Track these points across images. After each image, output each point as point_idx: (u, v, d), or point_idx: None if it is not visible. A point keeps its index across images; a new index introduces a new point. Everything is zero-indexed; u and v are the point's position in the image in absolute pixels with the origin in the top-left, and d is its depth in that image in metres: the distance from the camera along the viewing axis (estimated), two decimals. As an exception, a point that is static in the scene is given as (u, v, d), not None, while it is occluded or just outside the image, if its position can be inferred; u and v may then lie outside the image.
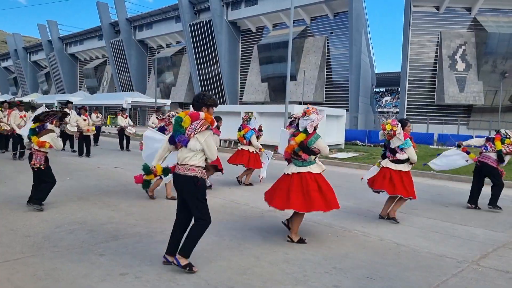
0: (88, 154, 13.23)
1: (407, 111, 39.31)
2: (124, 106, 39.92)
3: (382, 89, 78.38)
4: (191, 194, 3.82)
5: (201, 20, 48.90)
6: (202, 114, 3.87)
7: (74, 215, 5.77)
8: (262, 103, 41.54)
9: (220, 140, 18.95)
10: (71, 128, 13.15)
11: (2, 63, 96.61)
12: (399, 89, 44.43)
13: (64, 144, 13.20)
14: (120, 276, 3.71)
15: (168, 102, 44.52)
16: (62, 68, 72.75)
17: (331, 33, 42.53)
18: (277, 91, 43.50)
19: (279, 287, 3.59)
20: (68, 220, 5.52)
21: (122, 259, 4.14)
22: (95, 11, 61.46)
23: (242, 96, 48.62)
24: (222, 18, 47.37)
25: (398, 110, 45.33)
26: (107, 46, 61.74)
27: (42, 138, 5.96)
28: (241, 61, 50.38)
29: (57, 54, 72.33)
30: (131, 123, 16.68)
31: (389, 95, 76.98)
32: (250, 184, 8.95)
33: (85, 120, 13.57)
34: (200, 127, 3.81)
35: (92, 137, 14.61)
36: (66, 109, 12.68)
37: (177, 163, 3.94)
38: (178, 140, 3.86)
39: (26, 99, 51.44)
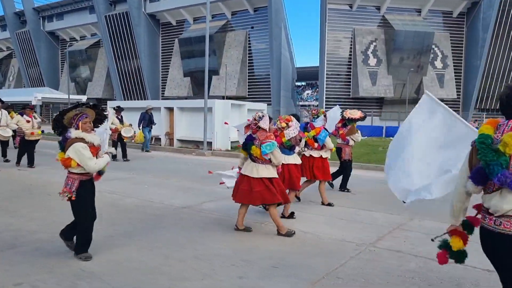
0: (31, 164, 10.48)
1: (325, 104, 41.11)
2: (33, 103, 37.03)
3: (303, 83, 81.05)
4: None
5: (117, 11, 46.83)
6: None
7: (-35, 225, 5.26)
8: (186, 98, 40.95)
9: (153, 138, 18.28)
10: (2, 132, 10.91)
11: None
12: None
13: None
14: (14, 287, 3.46)
15: (84, 98, 42.07)
16: (-41, 61, 65.68)
17: (252, 27, 43.09)
18: (200, 85, 43.17)
19: (185, 284, 3.59)
20: (-42, 230, 5.02)
21: (18, 268, 3.86)
22: (-3, -2, 56.10)
23: (164, 91, 47.55)
24: (140, 10, 45.79)
25: (318, 103, 47.23)
26: (12, 37, 56.81)
27: (67, 153, 3.96)
28: (162, 55, 49.21)
29: (-47, 46, 65.10)
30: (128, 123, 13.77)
31: (310, 88, 79.92)
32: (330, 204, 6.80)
33: (28, 121, 10.64)
34: None
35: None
36: None
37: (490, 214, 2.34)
38: (501, 179, 2.18)
39: None
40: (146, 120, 15.19)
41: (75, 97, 41.49)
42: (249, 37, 43.31)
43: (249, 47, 43.36)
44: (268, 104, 33.74)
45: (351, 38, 41.26)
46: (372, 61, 40.73)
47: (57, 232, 4.98)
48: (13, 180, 8.66)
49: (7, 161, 11.36)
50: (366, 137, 19.56)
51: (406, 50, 39.39)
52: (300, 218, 5.83)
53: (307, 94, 78.97)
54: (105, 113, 4.53)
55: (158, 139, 17.97)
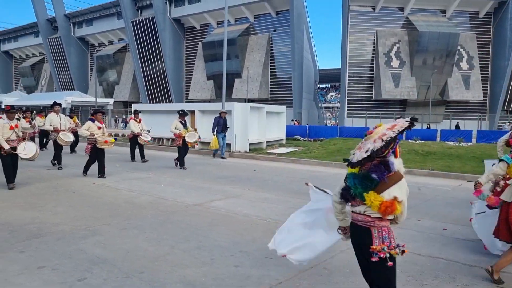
0: (102, 174, 9.60)
1: (347, 106, 41.08)
2: (64, 106, 38.54)
3: (327, 85, 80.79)
4: None
5: (143, 17, 48.18)
6: None
7: (-3, 217, 5.86)
8: (209, 101, 41.74)
9: (162, 139, 19.05)
10: (63, 137, 10.73)
11: None
12: (341, 85, 46.08)
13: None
14: (37, 269, 3.97)
15: (111, 101, 43.52)
16: (-5, 66, 68.75)
17: (274, 31, 43.51)
18: (222, 88, 43.87)
19: (185, 270, 4.02)
20: (-9, 222, 5.62)
21: (42, 254, 4.38)
22: (30, 6, 58.48)
23: (188, 94, 48.52)
24: (165, 15, 46.97)
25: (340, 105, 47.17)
26: (44, 43, 59.15)
27: None
28: (186, 59, 50.24)
29: (-11, 52, 68.23)
30: (146, 128, 13.54)
31: (334, 90, 79.64)
32: None
33: (100, 128, 9.96)
34: None
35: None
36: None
37: None
38: None
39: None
40: (221, 125, 14.39)
41: (103, 100, 42.98)
42: (271, 40, 43.75)
43: (272, 50, 43.80)
44: (289, 107, 34.09)
45: (374, 40, 41.10)
46: (395, 63, 40.45)
47: (78, 225, 5.53)
48: (41, 178, 9.33)
49: (60, 168, 10.82)
50: (384, 139, 19.55)
51: (431, 52, 38.94)
52: (302, 216, 6.18)
53: (331, 96, 78.70)
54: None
55: (172, 140, 18.56)
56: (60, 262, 4.17)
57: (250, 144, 16.57)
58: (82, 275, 3.84)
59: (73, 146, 14.92)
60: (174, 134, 11.88)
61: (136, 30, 48.31)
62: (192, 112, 18.46)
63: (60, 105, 11.14)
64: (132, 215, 6.10)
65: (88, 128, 9.65)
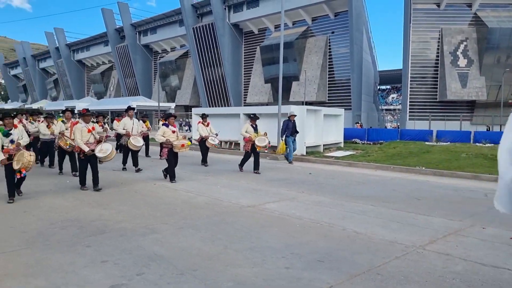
0: (173, 178, 9.49)
1: (409, 108, 39.56)
2: (129, 110, 40.62)
3: (388, 87, 78.29)
4: None
5: (204, 23, 49.65)
6: None
7: (68, 214, 6.35)
8: (267, 104, 42.04)
9: (221, 141, 19.47)
10: (134, 142, 10.97)
11: (11, 70, 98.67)
12: (403, 86, 44.42)
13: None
14: (101, 263, 4.25)
15: (173, 105, 45.28)
16: (70, 74, 74.15)
17: (332, 32, 42.95)
18: (279, 91, 43.98)
19: (237, 269, 4.10)
20: (62, 218, 6.10)
21: (105, 249, 4.68)
22: (100, 17, 62.55)
23: (246, 97, 49.21)
24: (224, 21, 48.08)
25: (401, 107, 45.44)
26: (112, 51, 62.85)
27: None
28: (244, 63, 51.02)
29: (65, 61, 73.76)
30: (215, 132, 13.34)
31: (396, 92, 76.89)
32: None
33: (174, 132, 9.80)
34: None
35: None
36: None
37: None
38: None
39: (35, 106, 52.65)
40: (290, 129, 13.85)
41: (165, 104, 44.80)
42: (329, 42, 43.21)
43: (330, 52, 43.24)
44: (347, 109, 33.43)
45: (439, 38, 39.20)
46: (462, 62, 38.28)
47: (138, 223, 5.84)
48: (106, 179, 9.93)
49: (138, 170, 11.07)
50: (449, 142, 18.61)
51: (502, 49, 36.38)
52: (355, 220, 6.06)
53: (392, 98, 76.07)
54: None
55: (237, 144, 18.90)
56: (121, 257, 4.43)
57: (306, 147, 16.47)
58: (140, 270, 4.06)
59: (146, 150, 15.37)
60: (244, 138, 11.71)
61: (197, 36, 49.89)
62: (249, 115, 18.74)
63: (133, 109, 11.35)
64: (189, 215, 6.32)
65: (163, 133, 9.51)
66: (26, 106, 60.85)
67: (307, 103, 36.32)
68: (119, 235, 5.25)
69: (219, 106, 47.34)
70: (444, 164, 12.86)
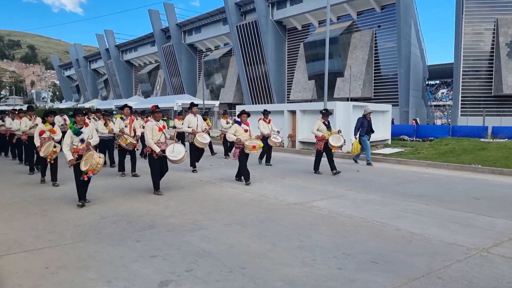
0: (248, 179, 8.72)
1: (461, 103, 37.72)
2: (175, 108, 41.63)
3: (437, 82, 75.17)
4: None
5: (247, 21, 49.76)
6: None
7: (118, 208, 6.48)
8: (310, 101, 41.53)
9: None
10: (200, 139, 10.32)
11: (65, 72, 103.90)
12: (454, 80, 42.43)
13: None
14: (150, 258, 4.26)
15: (217, 103, 45.76)
16: (119, 74, 76.89)
17: (379, 26, 41.66)
18: (324, 87, 43.32)
19: (286, 269, 3.97)
20: (113, 212, 6.23)
21: (154, 244, 4.70)
22: (147, 18, 64.37)
23: (289, 94, 48.87)
24: (267, 18, 47.93)
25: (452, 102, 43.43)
26: (159, 51, 64.47)
27: None
28: (287, 60, 50.65)
29: (114, 62, 76.55)
30: (276, 129, 12.53)
31: (445, 87, 73.66)
32: None
33: (246, 131, 9.07)
34: None
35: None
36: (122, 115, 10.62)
37: None
38: None
39: (87, 105, 55.09)
40: (365, 127, 12.56)
41: (209, 102, 45.40)
42: (375, 37, 41.94)
43: (376, 46, 41.97)
44: (394, 105, 32.32)
45: (494, 29, 36.97)
46: (520, 53, 35.91)
47: (186, 218, 5.84)
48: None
49: (194, 171, 10.63)
50: (506, 139, 17.49)
51: None
52: (409, 219, 5.74)
53: (442, 93, 72.98)
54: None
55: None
56: (170, 252, 4.42)
57: (353, 144, 16.03)
58: (189, 266, 4.02)
59: (211, 148, 14.67)
60: (316, 137, 10.54)
61: (240, 34, 50.08)
62: (293, 112, 18.53)
63: (197, 105, 10.54)
64: (235, 211, 6.26)
65: (235, 132, 8.79)
66: (79, 105, 63.84)
67: (352, 99, 35.50)
68: (167, 230, 5.27)
69: (262, 104, 47.32)
70: (502, 162, 12.07)
